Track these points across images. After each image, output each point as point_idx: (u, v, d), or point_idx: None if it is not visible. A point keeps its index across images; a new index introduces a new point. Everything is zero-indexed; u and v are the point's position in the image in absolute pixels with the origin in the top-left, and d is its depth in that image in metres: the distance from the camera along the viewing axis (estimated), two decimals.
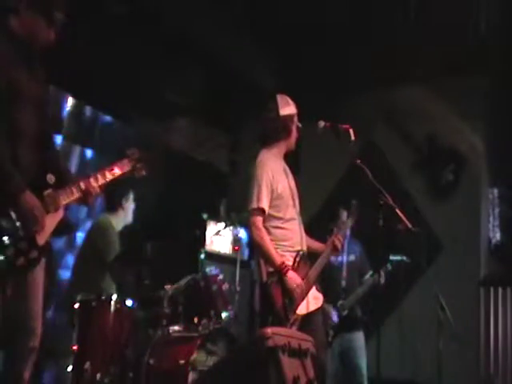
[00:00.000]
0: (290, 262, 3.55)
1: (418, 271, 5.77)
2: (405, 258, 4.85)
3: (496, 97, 6.27)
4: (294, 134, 3.79)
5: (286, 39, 6.14)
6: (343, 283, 4.89)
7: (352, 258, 4.99)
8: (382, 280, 4.82)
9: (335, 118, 3.71)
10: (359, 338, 4.91)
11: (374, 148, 6.70)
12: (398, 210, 3.47)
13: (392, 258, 4.80)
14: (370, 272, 4.94)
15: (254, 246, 3.64)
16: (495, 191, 6.45)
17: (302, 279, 3.55)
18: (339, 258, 4.90)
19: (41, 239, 2.62)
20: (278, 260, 3.50)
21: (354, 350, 4.87)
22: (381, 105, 6.76)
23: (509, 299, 6.08)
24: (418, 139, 6.71)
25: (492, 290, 6.13)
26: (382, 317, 5.80)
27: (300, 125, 3.80)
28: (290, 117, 3.74)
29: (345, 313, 4.77)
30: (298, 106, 3.82)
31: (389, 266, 4.84)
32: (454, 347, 3.49)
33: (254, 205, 3.55)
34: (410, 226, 3.43)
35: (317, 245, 3.91)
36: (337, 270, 4.88)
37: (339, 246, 3.81)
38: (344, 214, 4.95)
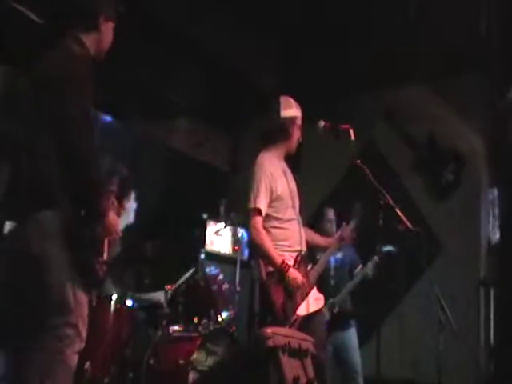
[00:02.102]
0: (290, 262, 3.56)
1: (418, 271, 5.76)
2: (393, 248, 4.84)
3: (495, 97, 6.26)
4: (296, 137, 3.75)
5: (287, 39, 6.15)
6: (332, 282, 4.90)
7: (339, 255, 4.98)
8: (370, 272, 4.81)
9: (335, 118, 3.70)
10: (351, 335, 4.92)
11: (374, 148, 6.70)
12: (397, 210, 3.46)
13: (380, 249, 4.80)
14: (360, 266, 4.94)
15: (254, 246, 3.64)
16: (495, 191, 6.44)
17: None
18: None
19: (107, 256, 2.73)
20: (279, 259, 3.49)
21: (346, 348, 4.88)
22: (381, 105, 6.76)
23: None
24: (418, 139, 6.71)
25: (492, 290, 6.12)
26: (382, 317, 5.80)
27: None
28: (291, 119, 3.70)
29: (336, 310, 4.79)
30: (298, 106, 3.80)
31: (376, 258, 4.84)
32: (454, 347, 3.47)
33: (252, 206, 3.55)
34: (409, 225, 3.42)
35: (319, 239, 3.92)
36: (326, 269, 4.87)
37: (347, 237, 3.86)
38: (330, 213, 4.96)
